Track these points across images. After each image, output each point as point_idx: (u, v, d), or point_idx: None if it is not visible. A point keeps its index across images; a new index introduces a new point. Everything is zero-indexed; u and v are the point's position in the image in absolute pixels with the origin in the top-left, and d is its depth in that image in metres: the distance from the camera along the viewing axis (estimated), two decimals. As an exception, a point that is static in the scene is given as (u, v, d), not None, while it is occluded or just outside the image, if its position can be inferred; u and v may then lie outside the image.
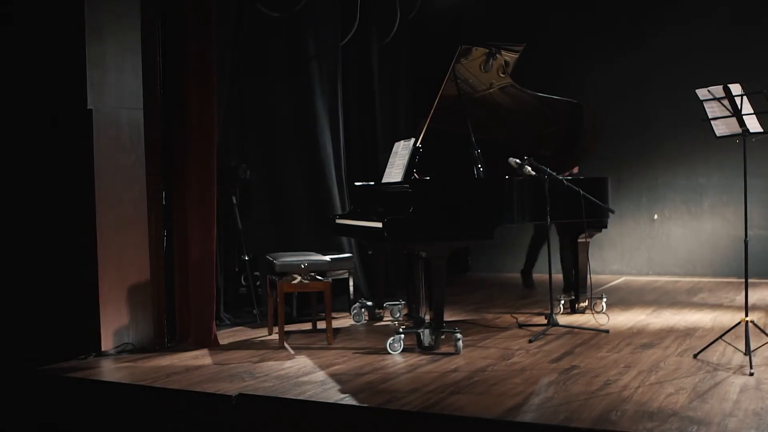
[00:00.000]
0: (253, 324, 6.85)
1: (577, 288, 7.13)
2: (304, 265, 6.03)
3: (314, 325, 6.64)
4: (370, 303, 7.07)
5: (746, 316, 5.09)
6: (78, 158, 5.72)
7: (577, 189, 6.17)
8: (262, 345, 6.00)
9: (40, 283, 5.64)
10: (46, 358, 5.36)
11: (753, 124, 5.03)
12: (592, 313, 6.86)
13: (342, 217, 6.91)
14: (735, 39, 8.98)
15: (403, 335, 5.63)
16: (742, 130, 5.03)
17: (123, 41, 5.88)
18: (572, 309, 7.12)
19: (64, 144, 5.74)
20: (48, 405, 5.05)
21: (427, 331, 5.63)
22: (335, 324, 6.51)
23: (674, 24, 9.30)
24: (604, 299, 7.11)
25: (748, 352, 4.91)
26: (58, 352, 5.48)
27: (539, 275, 9.33)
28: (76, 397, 4.98)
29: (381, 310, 7.06)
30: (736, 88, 4.99)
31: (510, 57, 6.44)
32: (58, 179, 5.75)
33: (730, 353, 5.25)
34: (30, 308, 5.59)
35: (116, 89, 5.84)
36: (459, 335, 5.55)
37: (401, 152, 6.22)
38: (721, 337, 5.39)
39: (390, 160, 6.43)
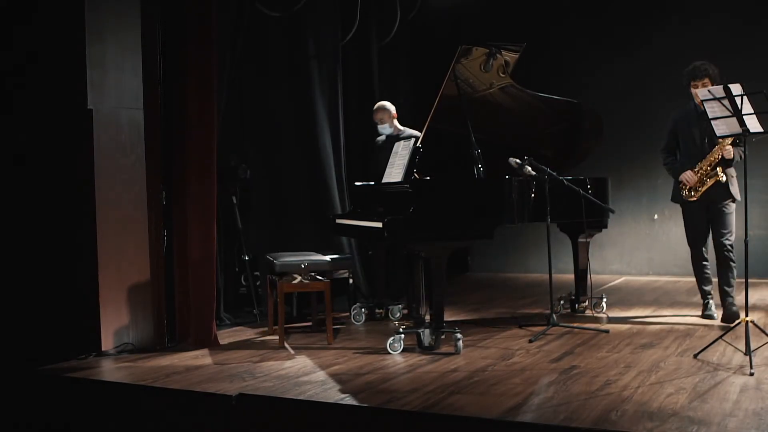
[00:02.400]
0: (253, 324, 6.85)
1: (577, 288, 7.13)
2: (304, 265, 6.03)
3: (314, 325, 6.64)
4: (370, 303, 7.07)
5: (746, 315, 5.09)
6: (78, 158, 5.72)
7: (577, 189, 6.17)
8: (262, 345, 6.00)
9: (41, 282, 5.64)
10: (46, 358, 5.36)
11: (753, 124, 5.03)
12: (592, 313, 6.86)
13: (342, 216, 6.91)
14: (735, 39, 8.97)
15: (403, 335, 5.63)
16: (743, 130, 5.04)
17: (123, 41, 5.88)
18: (572, 309, 7.12)
19: (64, 144, 5.74)
20: (48, 405, 5.04)
21: (427, 331, 5.63)
22: (335, 324, 6.51)
23: (675, 24, 9.30)
24: (605, 299, 7.11)
25: (748, 352, 4.90)
26: (58, 352, 5.48)
27: (540, 275, 9.33)
28: (76, 397, 4.98)
29: (381, 310, 7.06)
30: (736, 88, 4.99)
31: (510, 57, 6.44)
32: (58, 179, 5.74)
33: (730, 353, 5.25)
34: (30, 308, 5.59)
35: (116, 89, 5.84)
36: (459, 335, 5.56)
37: (401, 152, 6.22)
38: (721, 337, 5.39)
39: (390, 160, 6.43)
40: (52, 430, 4.95)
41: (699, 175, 6.32)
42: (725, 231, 6.35)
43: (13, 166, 5.68)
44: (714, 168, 6.25)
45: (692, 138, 6.42)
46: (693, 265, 6.70)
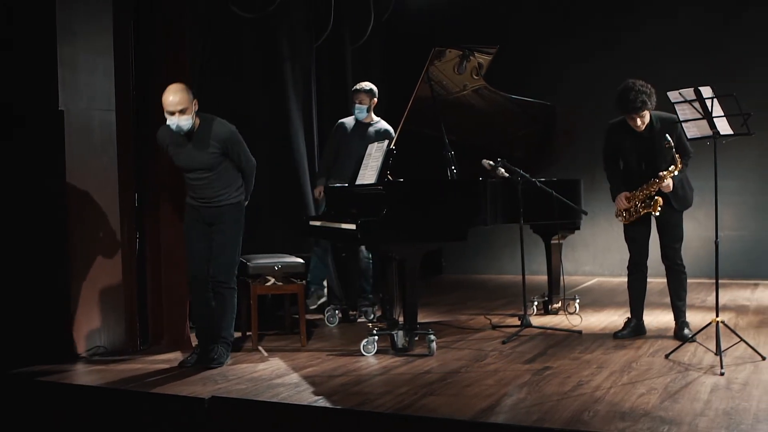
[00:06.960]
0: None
1: (550, 289, 7.16)
2: (278, 267, 6.02)
3: (288, 327, 6.62)
4: (343, 305, 7.06)
5: (717, 316, 5.14)
6: (49, 160, 5.67)
7: (549, 190, 6.20)
8: (235, 347, 5.96)
9: (12, 286, 5.58)
10: (18, 361, 5.31)
11: (723, 127, 5.08)
12: (565, 314, 6.89)
13: (315, 218, 6.89)
14: (708, 33, 9.04)
15: (376, 337, 5.63)
16: (713, 133, 5.08)
17: (95, 42, 5.84)
18: (545, 310, 7.15)
19: (34, 145, 5.68)
20: (19, 409, 4.99)
21: (400, 333, 5.63)
22: (309, 326, 6.49)
23: (648, 23, 9.35)
24: (577, 300, 7.15)
25: (718, 352, 4.95)
26: (30, 355, 5.42)
27: (513, 276, 9.36)
28: (48, 400, 4.93)
29: (355, 312, 7.05)
30: (706, 91, 5.03)
31: (483, 59, 6.46)
32: (29, 181, 5.69)
33: (701, 353, 5.30)
34: (1, 311, 5.53)
35: (88, 90, 5.80)
36: (432, 337, 5.56)
37: (375, 154, 6.22)
38: (692, 337, 5.43)
39: (363, 161, 6.42)
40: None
41: (632, 202, 5.78)
42: (675, 245, 5.80)
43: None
44: (651, 199, 5.66)
45: (630, 159, 5.90)
46: (628, 276, 6.05)
